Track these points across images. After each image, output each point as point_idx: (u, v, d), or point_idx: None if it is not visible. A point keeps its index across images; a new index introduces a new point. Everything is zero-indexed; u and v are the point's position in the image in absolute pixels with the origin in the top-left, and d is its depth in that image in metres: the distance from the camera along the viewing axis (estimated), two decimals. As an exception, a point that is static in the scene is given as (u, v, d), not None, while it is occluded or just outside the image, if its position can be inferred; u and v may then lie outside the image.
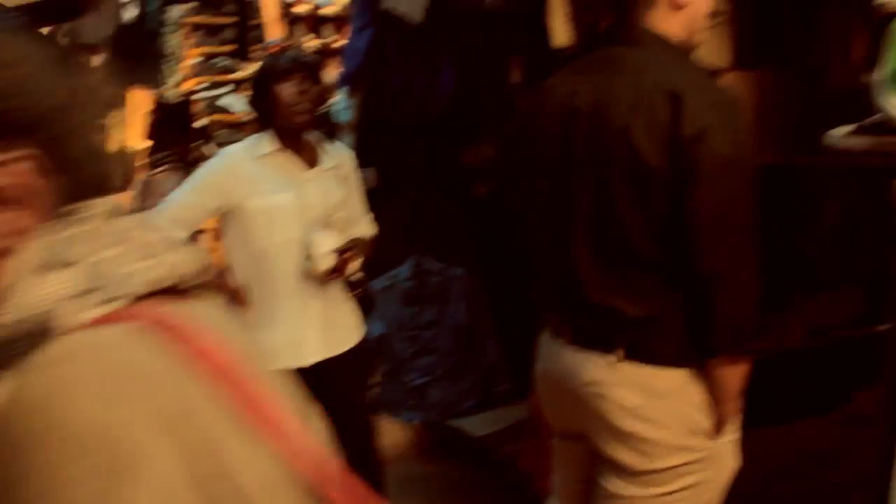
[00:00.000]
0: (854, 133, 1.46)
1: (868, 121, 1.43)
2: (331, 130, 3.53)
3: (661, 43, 1.50)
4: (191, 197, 2.34)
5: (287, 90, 2.31)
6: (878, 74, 1.41)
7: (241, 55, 4.47)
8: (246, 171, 2.34)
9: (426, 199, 3.27)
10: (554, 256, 1.64)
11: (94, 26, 5.25)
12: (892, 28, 1.41)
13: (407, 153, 3.24)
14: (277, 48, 2.59)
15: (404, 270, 3.26)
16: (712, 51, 2.67)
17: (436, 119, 3.07)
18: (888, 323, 1.91)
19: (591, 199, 1.52)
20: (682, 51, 1.53)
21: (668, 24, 1.51)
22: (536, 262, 1.74)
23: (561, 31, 2.27)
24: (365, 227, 2.60)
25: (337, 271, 2.34)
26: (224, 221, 2.38)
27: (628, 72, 1.47)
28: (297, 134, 2.38)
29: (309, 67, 2.39)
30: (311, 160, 2.43)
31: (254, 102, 2.46)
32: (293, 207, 2.34)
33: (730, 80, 2.77)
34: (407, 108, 3.07)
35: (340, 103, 3.56)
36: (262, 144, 2.38)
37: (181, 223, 2.29)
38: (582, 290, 1.57)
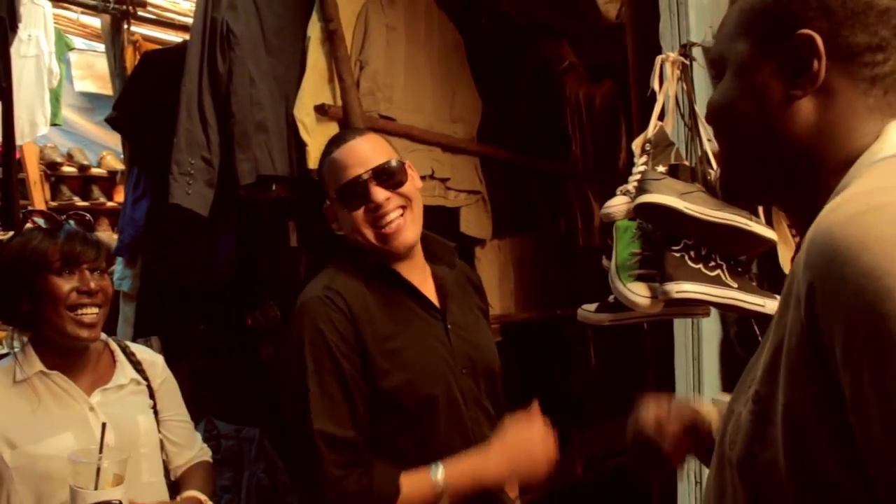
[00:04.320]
0: (598, 310, 1.74)
1: (609, 298, 1.70)
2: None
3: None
4: None
5: (67, 286, 1.62)
6: (610, 265, 1.67)
7: (6, 212, 3.60)
8: None
9: (213, 363, 3.21)
10: None
11: None
12: (617, 227, 1.68)
13: (191, 319, 3.21)
14: (45, 218, 1.71)
15: (196, 436, 3.12)
16: (473, 224, 3.03)
17: (218, 284, 3.06)
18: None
19: None
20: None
21: None
22: None
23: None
24: (199, 451, 1.88)
25: None
26: None
27: None
28: (78, 348, 1.69)
29: (102, 251, 1.70)
30: (97, 377, 1.72)
31: (1, 298, 1.68)
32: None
33: (493, 248, 3.22)
34: (188, 274, 3.05)
35: (119, 273, 3.40)
36: (18, 367, 1.65)
37: None
38: None
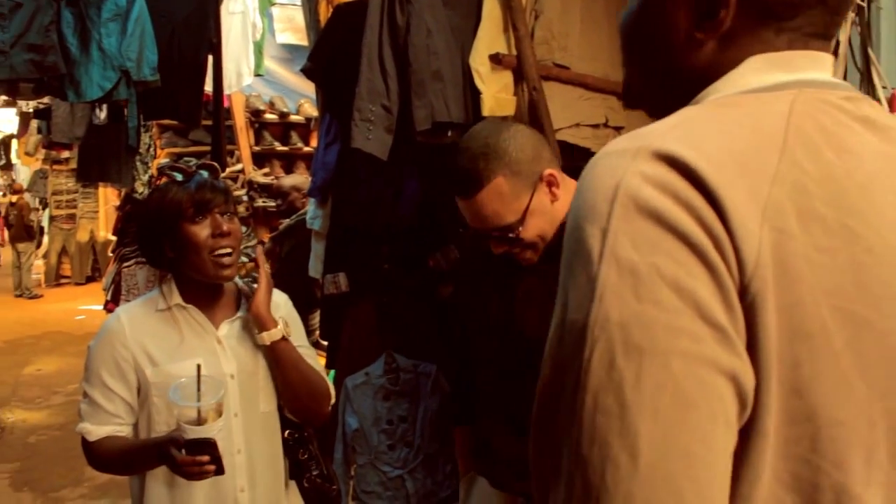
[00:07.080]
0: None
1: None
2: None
3: None
4: (100, 397, 1.83)
5: (203, 232, 1.81)
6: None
7: (215, 156, 4.47)
8: (138, 337, 1.84)
9: (395, 300, 3.35)
10: None
11: (66, 125, 5.38)
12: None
13: (376, 258, 3.36)
14: (178, 171, 1.89)
15: (377, 367, 3.30)
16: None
17: (402, 226, 3.20)
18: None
19: None
20: None
21: None
22: None
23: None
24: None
25: None
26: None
27: None
28: (213, 286, 1.91)
29: (230, 196, 1.88)
30: (224, 312, 1.94)
31: (148, 247, 1.91)
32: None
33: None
34: (374, 216, 3.23)
35: (311, 213, 3.66)
36: (161, 298, 1.90)
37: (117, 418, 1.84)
38: None
